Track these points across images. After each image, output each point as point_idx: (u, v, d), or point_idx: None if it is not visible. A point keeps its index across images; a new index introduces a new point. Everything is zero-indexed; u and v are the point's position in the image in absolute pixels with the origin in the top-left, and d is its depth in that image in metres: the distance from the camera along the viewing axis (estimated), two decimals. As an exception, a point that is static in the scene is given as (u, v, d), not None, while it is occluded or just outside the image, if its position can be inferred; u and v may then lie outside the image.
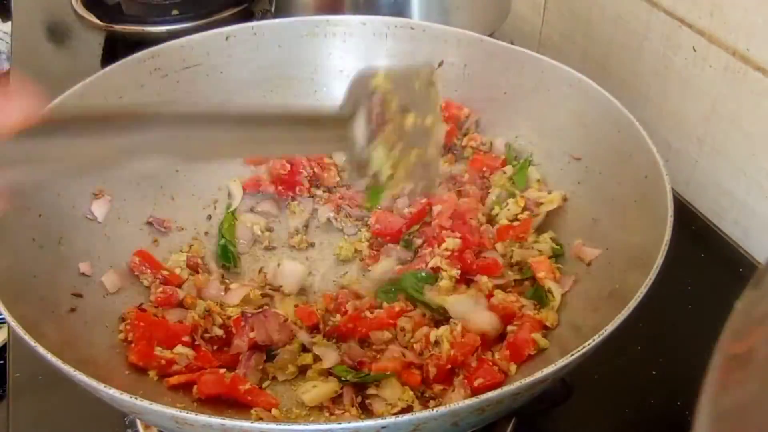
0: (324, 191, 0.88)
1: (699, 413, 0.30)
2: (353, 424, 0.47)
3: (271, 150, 0.48)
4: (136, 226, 0.80)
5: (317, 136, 0.47)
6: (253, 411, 0.63)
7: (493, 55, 0.86)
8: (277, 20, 0.90)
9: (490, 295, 0.72)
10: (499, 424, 0.67)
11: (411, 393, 0.65)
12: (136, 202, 0.80)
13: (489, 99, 0.87)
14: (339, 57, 0.91)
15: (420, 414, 0.47)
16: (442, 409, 0.47)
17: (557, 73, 0.81)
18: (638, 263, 0.62)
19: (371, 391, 0.66)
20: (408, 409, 0.64)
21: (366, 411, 0.65)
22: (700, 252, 0.89)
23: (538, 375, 0.50)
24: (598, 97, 0.77)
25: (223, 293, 0.75)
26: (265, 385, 0.68)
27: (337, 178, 0.89)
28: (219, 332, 0.70)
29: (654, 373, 0.74)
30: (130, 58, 0.82)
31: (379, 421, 0.47)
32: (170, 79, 0.84)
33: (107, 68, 0.80)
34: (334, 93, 0.92)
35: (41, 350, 0.52)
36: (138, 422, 0.68)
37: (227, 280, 0.78)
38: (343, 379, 0.67)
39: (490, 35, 0.98)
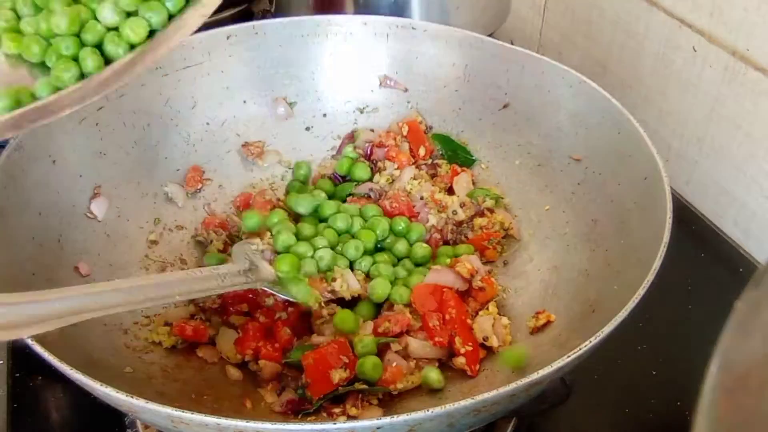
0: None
1: (699, 414, 0.30)
2: (348, 425, 0.47)
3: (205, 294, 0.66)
4: (136, 225, 0.80)
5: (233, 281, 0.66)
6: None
7: (493, 55, 0.86)
8: (278, 20, 0.90)
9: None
10: (499, 425, 0.68)
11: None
12: (136, 200, 0.80)
13: (489, 99, 0.87)
14: (340, 57, 0.91)
15: (415, 415, 0.47)
16: (437, 409, 0.47)
17: (557, 74, 0.81)
18: (637, 264, 0.61)
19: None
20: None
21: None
22: (700, 252, 0.89)
23: (534, 376, 0.50)
24: (598, 97, 0.77)
25: None
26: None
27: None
28: None
29: (654, 373, 0.74)
30: (131, 56, 0.81)
31: (375, 422, 0.47)
32: (171, 78, 0.84)
33: (108, 67, 0.80)
34: (334, 93, 0.92)
35: (40, 350, 0.52)
36: (138, 422, 0.68)
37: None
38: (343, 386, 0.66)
39: (490, 35, 0.98)
